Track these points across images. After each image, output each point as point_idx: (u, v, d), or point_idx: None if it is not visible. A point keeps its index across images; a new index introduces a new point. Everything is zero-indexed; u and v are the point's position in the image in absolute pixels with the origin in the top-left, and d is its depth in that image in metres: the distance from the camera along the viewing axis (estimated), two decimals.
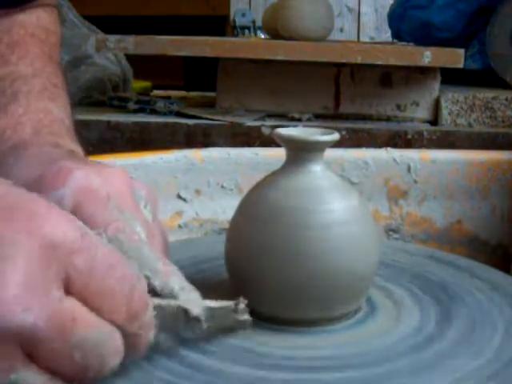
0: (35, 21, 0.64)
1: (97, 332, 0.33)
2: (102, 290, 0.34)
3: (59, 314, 0.32)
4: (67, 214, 0.35)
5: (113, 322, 0.34)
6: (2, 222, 0.32)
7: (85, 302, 0.33)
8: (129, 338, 0.35)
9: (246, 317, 0.41)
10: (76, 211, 0.38)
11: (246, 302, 0.41)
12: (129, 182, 0.43)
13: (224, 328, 0.42)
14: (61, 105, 0.58)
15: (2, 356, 0.32)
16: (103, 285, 0.34)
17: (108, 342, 0.34)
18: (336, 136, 0.46)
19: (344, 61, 1.09)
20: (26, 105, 0.55)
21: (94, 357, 0.33)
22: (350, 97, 1.14)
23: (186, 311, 0.38)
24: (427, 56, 1.05)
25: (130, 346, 0.35)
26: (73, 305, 0.33)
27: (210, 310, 0.39)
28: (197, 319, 0.38)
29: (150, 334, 0.36)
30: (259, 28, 1.87)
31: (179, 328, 0.38)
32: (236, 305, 0.41)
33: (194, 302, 0.39)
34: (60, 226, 0.33)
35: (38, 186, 0.40)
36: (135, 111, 1.15)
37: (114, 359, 0.34)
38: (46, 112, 0.55)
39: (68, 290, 0.33)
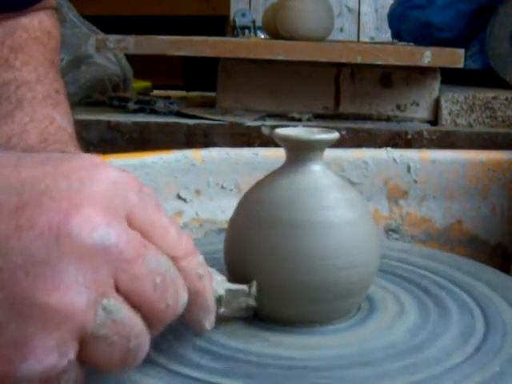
0: (37, 24, 0.64)
1: (166, 259, 0.34)
2: (157, 225, 0.35)
3: (133, 238, 0.33)
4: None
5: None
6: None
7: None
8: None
9: (254, 302, 0.42)
10: None
11: (256, 284, 0.41)
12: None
13: (233, 311, 0.42)
14: (63, 112, 0.59)
15: (96, 280, 0.32)
16: (157, 220, 0.35)
17: (176, 274, 0.35)
18: (336, 135, 0.46)
19: (344, 61, 1.09)
20: (32, 112, 0.56)
21: (170, 283, 0.34)
22: (350, 97, 1.14)
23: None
24: (427, 56, 1.05)
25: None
26: (139, 235, 0.34)
27: (229, 291, 0.40)
28: (219, 300, 0.38)
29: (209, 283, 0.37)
30: (259, 28, 1.86)
31: None
32: (250, 287, 0.42)
33: (218, 283, 0.39)
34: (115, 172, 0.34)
35: None
36: (135, 111, 1.15)
37: (184, 295, 0.35)
38: (50, 120, 0.56)
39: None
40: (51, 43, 0.65)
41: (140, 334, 0.34)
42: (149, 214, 0.35)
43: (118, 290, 0.33)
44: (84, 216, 0.31)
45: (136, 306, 0.34)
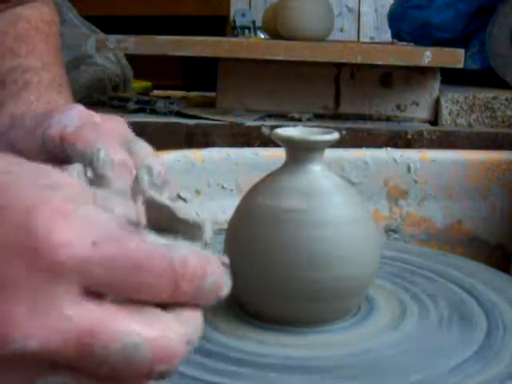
0: (38, 15, 0.65)
1: (122, 344, 0.29)
2: (132, 288, 0.30)
3: (72, 334, 0.29)
4: (73, 208, 0.30)
5: (161, 304, 0.31)
6: None
7: (117, 295, 0.30)
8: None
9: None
10: (81, 130, 0.39)
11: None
12: (128, 128, 0.45)
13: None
14: (66, 99, 0.60)
15: (24, 373, 0.30)
16: (130, 284, 0.30)
17: (145, 352, 0.29)
18: (336, 136, 0.46)
19: (344, 61, 1.09)
20: (38, 94, 0.57)
21: (126, 371, 0.30)
22: (350, 97, 1.14)
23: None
24: (427, 56, 1.05)
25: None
26: (92, 316, 0.29)
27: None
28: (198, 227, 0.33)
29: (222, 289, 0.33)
30: (259, 28, 1.86)
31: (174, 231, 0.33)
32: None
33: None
34: (62, 238, 0.29)
35: (41, 117, 0.41)
36: (135, 111, 1.15)
37: (159, 367, 0.30)
38: (55, 104, 0.56)
39: (98, 294, 0.30)
40: (52, 30, 0.66)
41: None
42: (116, 279, 0.30)
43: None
44: (1, 327, 0.29)
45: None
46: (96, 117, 0.42)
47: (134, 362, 0.29)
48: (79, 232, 0.29)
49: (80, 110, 0.42)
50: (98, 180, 0.38)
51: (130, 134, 0.44)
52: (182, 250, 0.31)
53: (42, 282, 0.29)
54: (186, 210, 0.32)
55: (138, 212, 0.33)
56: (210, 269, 0.32)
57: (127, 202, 0.35)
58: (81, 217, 0.30)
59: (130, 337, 0.29)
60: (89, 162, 0.38)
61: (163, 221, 0.32)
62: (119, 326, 0.29)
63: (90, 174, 0.38)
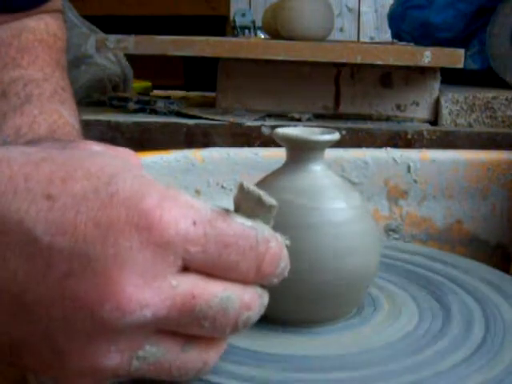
0: (44, 27, 0.65)
1: (220, 297, 0.34)
2: (221, 266, 0.34)
3: (178, 299, 0.33)
4: (174, 192, 0.35)
5: (242, 282, 0.35)
6: (107, 209, 0.32)
7: (206, 274, 0.34)
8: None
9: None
10: None
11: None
12: (141, 163, 0.44)
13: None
14: (70, 108, 0.60)
15: (130, 345, 0.33)
16: (221, 261, 0.34)
17: (235, 301, 0.34)
18: (336, 135, 0.46)
19: (344, 61, 1.09)
20: (40, 106, 0.57)
21: (223, 319, 0.34)
22: (350, 97, 1.14)
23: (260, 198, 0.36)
24: (427, 56, 1.05)
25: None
26: (191, 283, 0.33)
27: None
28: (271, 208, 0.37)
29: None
30: (259, 28, 1.86)
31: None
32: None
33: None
34: (170, 217, 0.33)
35: None
36: (135, 111, 1.15)
37: (245, 314, 0.35)
38: (59, 115, 0.56)
39: (186, 268, 0.34)
40: (57, 45, 0.66)
41: (185, 359, 0.35)
42: (210, 258, 0.34)
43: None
44: (117, 300, 0.32)
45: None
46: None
47: (228, 311, 0.34)
48: (183, 213, 0.33)
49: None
50: None
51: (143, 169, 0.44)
52: (265, 232, 0.35)
53: (153, 257, 0.32)
54: (266, 195, 0.36)
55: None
56: (284, 252, 0.36)
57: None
58: (183, 201, 0.34)
59: (224, 292, 0.34)
60: None
61: (243, 203, 0.36)
62: (213, 286, 0.34)
63: None
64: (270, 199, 0.36)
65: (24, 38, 0.62)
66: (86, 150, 0.38)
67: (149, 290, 0.32)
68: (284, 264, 0.36)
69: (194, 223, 0.33)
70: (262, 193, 0.35)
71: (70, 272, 0.32)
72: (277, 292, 0.45)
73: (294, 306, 0.45)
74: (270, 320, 0.46)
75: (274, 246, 0.35)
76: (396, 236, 0.74)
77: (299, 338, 0.45)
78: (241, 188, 0.35)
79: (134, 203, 0.33)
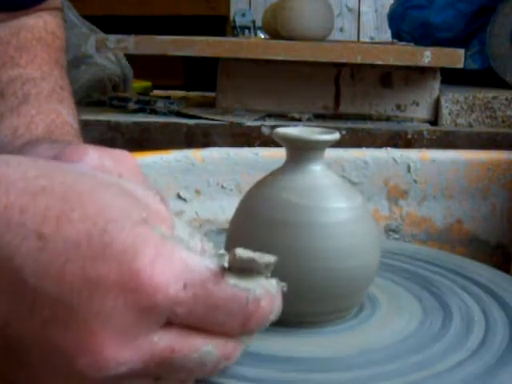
0: (42, 25, 0.65)
1: (199, 353, 0.34)
2: (207, 324, 0.34)
3: (157, 353, 0.33)
4: (171, 250, 0.33)
5: (226, 336, 0.35)
6: (96, 263, 0.31)
7: (189, 329, 0.34)
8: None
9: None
10: None
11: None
12: (137, 165, 0.43)
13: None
14: (68, 107, 0.59)
15: None
16: (207, 321, 0.33)
17: (214, 356, 0.34)
18: (336, 135, 0.46)
19: (344, 61, 1.09)
20: (38, 106, 0.56)
21: (200, 370, 0.34)
22: (350, 97, 1.14)
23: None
24: (427, 56, 1.05)
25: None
26: (173, 338, 0.33)
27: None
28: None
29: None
30: (259, 28, 1.86)
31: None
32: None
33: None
34: (161, 280, 0.32)
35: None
36: (135, 111, 1.15)
37: (223, 363, 0.35)
38: (57, 114, 0.56)
39: (170, 323, 0.33)
40: (56, 43, 0.65)
41: None
42: (196, 317, 0.33)
43: None
44: (94, 356, 0.31)
45: None
46: (107, 160, 0.41)
47: (206, 364, 0.34)
48: (176, 275, 0.32)
49: (90, 158, 0.40)
50: None
51: (140, 171, 0.43)
52: (257, 292, 0.34)
53: (136, 319, 0.32)
54: (261, 256, 0.35)
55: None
56: (275, 306, 0.35)
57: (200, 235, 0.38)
58: (177, 260, 0.33)
59: (204, 346, 0.34)
60: None
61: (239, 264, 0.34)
62: (195, 340, 0.33)
63: None
64: (265, 258, 0.35)
65: (22, 37, 0.62)
66: (88, 176, 0.36)
67: (128, 348, 0.32)
68: (274, 316, 0.35)
69: (185, 286, 0.32)
70: (256, 255, 0.34)
71: (53, 319, 0.31)
72: None
73: (292, 306, 0.45)
74: None
75: (264, 304, 0.34)
76: (396, 236, 0.74)
77: (299, 339, 0.45)
78: (233, 257, 0.34)
79: (126, 260, 0.31)
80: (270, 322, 0.36)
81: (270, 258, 0.35)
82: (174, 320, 0.33)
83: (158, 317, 0.32)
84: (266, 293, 0.35)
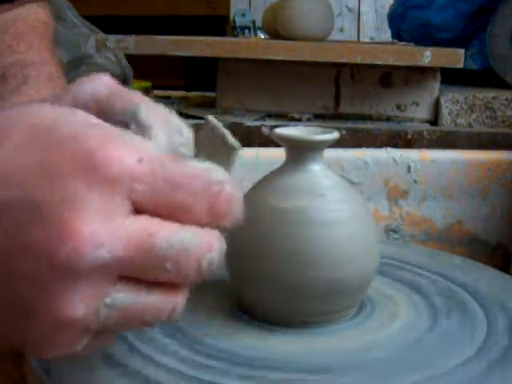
0: (34, 15, 0.68)
1: (179, 236, 0.33)
2: (173, 206, 0.33)
3: (133, 237, 0.32)
4: (119, 132, 0.34)
5: (197, 225, 0.34)
6: (50, 154, 0.32)
7: (159, 216, 0.33)
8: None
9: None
10: (116, 93, 0.39)
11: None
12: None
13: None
14: None
15: (94, 292, 0.33)
16: (171, 202, 0.33)
17: (195, 240, 0.33)
18: (336, 135, 0.46)
19: (344, 61, 1.09)
20: (37, 87, 0.59)
21: (186, 259, 0.33)
22: (350, 97, 1.14)
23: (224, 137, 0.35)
24: (427, 56, 1.05)
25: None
26: (145, 222, 0.33)
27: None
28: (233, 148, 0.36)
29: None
30: (259, 28, 1.86)
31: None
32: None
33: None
34: (114, 155, 0.32)
35: (65, 90, 0.40)
36: None
37: (208, 255, 0.34)
38: None
39: (138, 212, 0.33)
40: (48, 32, 0.68)
41: (154, 303, 0.34)
42: (160, 197, 0.33)
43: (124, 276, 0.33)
44: (71, 242, 0.31)
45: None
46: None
47: (190, 250, 0.33)
48: (128, 151, 0.33)
49: (107, 78, 0.42)
50: (142, 133, 0.37)
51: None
52: (219, 174, 0.34)
53: (100, 196, 0.32)
54: (231, 137, 0.35)
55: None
56: (238, 195, 0.35)
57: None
58: (127, 139, 0.33)
59: (182, 230, 0.33)
60: (132, 116, 0.37)
61: (206, 141, 0.34)
62: (170, 225, 0.33)
63: (133, 128, 0.37)
64: (234, 141, 0.34)
65: (19, 26, 0.65)
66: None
67: (101, 228, 0.32)
68: (238, 207, 0.35)
69: (140, 160, 0.33)
70: (227, 132, 0.34)
71: (21, 223, 0.32)
72: (276, 293, 0.45)
73: (292, 306, 0.45)
74: (268, 320, 0.46)
75: (227, 188, 0.34)
76: (396, 236, 0.74)
77: (299, 339, 0.45)
78: (207, 122, 0.34)
79: (78, 144, 0.32)
80: (238, 214, 0.35)
81: (237, 143, 0.34)
82: (140, 205, 0.33)
83: (119, 194, 0.32)
84: (231, 179, 0.34)
